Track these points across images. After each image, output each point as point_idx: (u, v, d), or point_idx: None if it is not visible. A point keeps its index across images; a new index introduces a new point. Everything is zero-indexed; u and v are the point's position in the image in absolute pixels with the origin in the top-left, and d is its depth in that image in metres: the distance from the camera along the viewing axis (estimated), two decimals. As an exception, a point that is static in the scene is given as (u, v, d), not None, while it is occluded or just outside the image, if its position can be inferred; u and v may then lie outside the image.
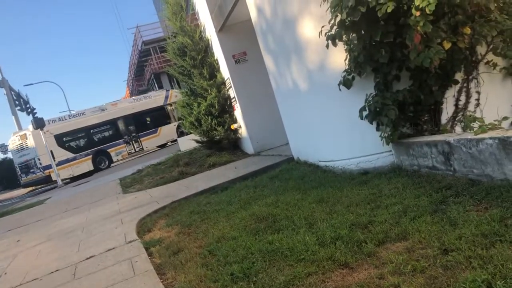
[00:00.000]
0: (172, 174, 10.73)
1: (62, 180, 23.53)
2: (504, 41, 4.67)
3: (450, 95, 4.86)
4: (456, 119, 4.91)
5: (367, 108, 5.07)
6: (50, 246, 6.57)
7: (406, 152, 4.92)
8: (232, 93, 10.77)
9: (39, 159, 23.61)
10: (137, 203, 8.22)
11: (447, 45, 4.19)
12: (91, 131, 26.03)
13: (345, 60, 5.22)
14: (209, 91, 11.29)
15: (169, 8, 11.91)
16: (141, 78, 45.16)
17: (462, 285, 2.41)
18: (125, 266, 4.42)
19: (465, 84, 4.85)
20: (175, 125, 27.07)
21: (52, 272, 4.98)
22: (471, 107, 4.89)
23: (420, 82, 4.75)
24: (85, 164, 25.09)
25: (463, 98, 4.89)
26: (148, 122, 27.78)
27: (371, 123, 5.14)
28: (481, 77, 4.83)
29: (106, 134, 26.71)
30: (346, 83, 5.25)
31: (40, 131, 22.68)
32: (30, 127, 23.81)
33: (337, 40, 4.94)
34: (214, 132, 11.39)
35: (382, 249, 3.20)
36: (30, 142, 23.71)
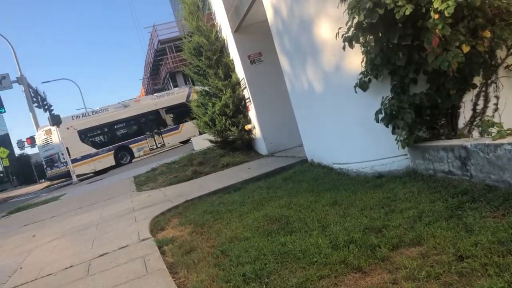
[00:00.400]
0: (186, 173, 10.77)
1: (85, 174, 24.01)
2: (525, 45, 4.59)
3: (468, 99, 4.78)
4: (474, 124, 4.83)
5: (383, 111, 5.03)
6: (64, 242, 6.65)
7: (422, 156, 4.86)
8: (246, 93, 10.78)
9: (62, 154, 24.07)
10: (151, 201, 8.27)
11: (466, 49, 4.13)
12: (114, 127, 26.48)
13: (361, 62, 5.18)
14: (224, 91, 11.31)
15: (186, 8, 11.97)
16: (157, 77, 45.47)
17: (477, 292, 2.37)
18: (138, 264, 4.45)
19: (483, 88, 4.77)
20: None
21: (66, 268, 5.03)
22: (489, 111, 4.81)
23: (438, 86, 4.69)
24: (107, 159, 25.52)
25: (481, 102, 4.81)
26: (170, 118, 28.04)
27: (387, 126, 5.09)
28: (500, 81, 4.75)
29: (129, 130, 27.13)
30: (363, 85, 5.21)
31: (57, 128, 23.07)
32: None
33: (354, 42, 4.91)
34: (228, 132, 11.41)
35: (396, 254, 3.16)
36: (55, 137, 24.18)
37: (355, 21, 4.76)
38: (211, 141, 12.83)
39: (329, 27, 5.66)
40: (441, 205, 3.81)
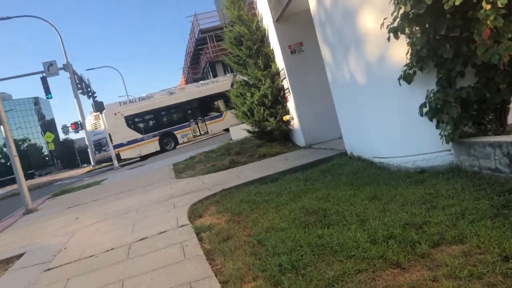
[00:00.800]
0: (223, 162, 10.87)
1: (131, 159, 24.77)
2: None
3: (519, 94, 4.58)
4: (524, 120, 4.63)
5: (427, 105, 4.89)
6: (106, 225, 6.86)
7: (467, 152, 4.70)
8: (286, 84, 10.72)
9: (110, 139, 24.95)
10: (189, 189, 8.40)
11: (519, 41, 3.95)
12: (159, 113, 27.20)
13: (406, 54, 5.04)
14: (263, 82, 11.29)
15: (227, -3, 11.99)
16: (197, 66, 45.92)
17: (524, 295, 2.28)
18: (176, 250, 4.54)
19: (536, 83, 4.56)
20: None
21: (107, 251, 5.20)
22: (541, 108, 4.60)
23: (487, 80, 4.51)
24: (152, 145, 26.28)
25: (533, 98, 4.61)
26: (214, 106, 28.42)
27: (431, 120, 4.95)
28: (554, 76, 4.52)
29: (173, 116, 27.80)
30: (407, 77, 5.08)
31: (100, 114, 23.83)
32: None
33: (399, 33, 4.79)
34: (266, 122, 11.40)
35: (436, 251, 3.09)
36: (103, 122, 25.04)
37: (401, 11, 4.65)
38: (248, 131, 12.86)
39: (374, 17, 5.53)
40: (486, 203, 3.68)
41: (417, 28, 4.75)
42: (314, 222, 4.33)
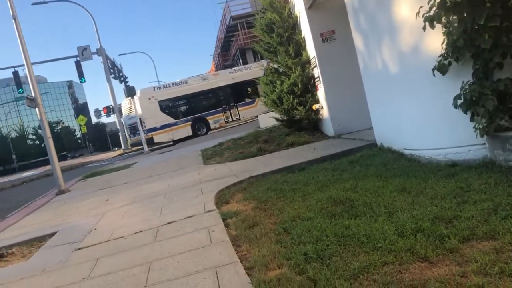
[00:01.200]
0: (251, 150, 10.89)
1: (164, 143, 25.27)
2: None
3: (560, 87, 4.40)
4: None
5: (462, 96, 4.75)
6: (135, 208, 7.00)
7: (502, 147, 4.56)
8: (316, 72, 10.60)
9: (144, 122, 25.45)
10: (217, 175, 8.47)
11: (563, 32, 3.78)
12: (192, 98, 27.49)
13: (442, 44, 4.90)
14: (293, 70, 11.20)
15: (260, -16, 11.90)
16: (227, 54, 45.97)
17: (557, 295, 2.21)
18: (203, 234, 4.59)
19: None
20: None
21: (136, 233, 5.31)
22: None
23: (527, 72, 4.35)
24: (185, 130, 26.68)
25: None
26: (246, 92, 28.53)
27: (465, 112, 4.82)
28: None
29: (206, 102, 28.08)
30: (441, 68, 4.94)
31: (131, 99, 24.26)
32: (138, 92, 25.66)
33: (435, 22, 4.66)
34: (295, 111, 11.33)
35: (466, 247, 3.02)
36: (137, 106, 25.54)
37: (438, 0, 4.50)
38: (277, 119, 12.82)
39: (409, 5, 5.39)
40: (521, 199, 3.57)
41: (454, 17, 4.61)
42: (341, 212, 4.30)
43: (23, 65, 12.63)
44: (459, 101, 4.83)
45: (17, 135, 79.80)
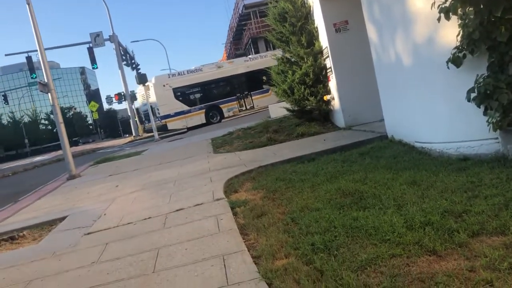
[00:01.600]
0: (261, 139, 10.88)
1: (177, 130, 25.50)
2: None
3: None
4: None
5: (476, 90, 4.68)
6: (144, 195, 7.05)
7: (515, 142, 4.50)
8: (328, 63, 10.52)
9: (158, 109, 25.61)
10: (226, 164, 8.49)
11: None
12: (207, 86, 27.55)
13: (457, 36, 4.82)
14: (305, 60, 11.12)
15: (273, -28, 11.79)
16: (239, 42, 45.86)
17: None
18: (211, 222, 4.62)
19: None
20: None
21: (145, 219, 5.36)
22: None
23: (543, 66, 4.27)
24: (198, 117, 26.80)
25: None
26: (261, 81, 28.56)
27: (479, 106, 4.75)
28: None
29: (220, 90, 28.15)
30: (456, 61, 4.87)
31: (143, 86, 24.35)
32: (153, 79, 25.78)
33: (451, 14, 4.58)
34: (306, 102, 11.27)
35: (475, 241, 3.00)
36: (152, 93, 25.65)
37: (455, -10, 4.43)
38: (287, 109, 12.77)
39: (425, -4, 5.31)
40: (533, 195, 3.53)
41: (470, 9, 4.53)
42: (350, 204, 4.29)
43: (36, 51, 12.70)
44: (473, 95, 4.76)
45: (30, 120, 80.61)
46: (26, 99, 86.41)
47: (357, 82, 9.86)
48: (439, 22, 4.79)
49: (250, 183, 6.43)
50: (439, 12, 4.69)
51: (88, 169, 13.96)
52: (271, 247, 3.57)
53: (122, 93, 34.95)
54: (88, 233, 5.25)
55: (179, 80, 26.73)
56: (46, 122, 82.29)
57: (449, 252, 2.92)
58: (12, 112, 76.55)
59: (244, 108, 28.23)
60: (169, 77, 26.98)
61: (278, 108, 15.75)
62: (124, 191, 7.78)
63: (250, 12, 37.74)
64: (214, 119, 27.28)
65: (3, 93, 47.89)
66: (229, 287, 3.02)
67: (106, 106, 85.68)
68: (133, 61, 31.30)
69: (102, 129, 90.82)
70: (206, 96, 27.59)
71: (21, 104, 76.59)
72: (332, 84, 10.65)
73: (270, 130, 12.07)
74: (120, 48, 32.28)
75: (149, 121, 27.54)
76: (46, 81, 12.29)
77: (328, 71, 10.77)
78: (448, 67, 5.02)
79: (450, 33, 4.97)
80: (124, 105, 40.54)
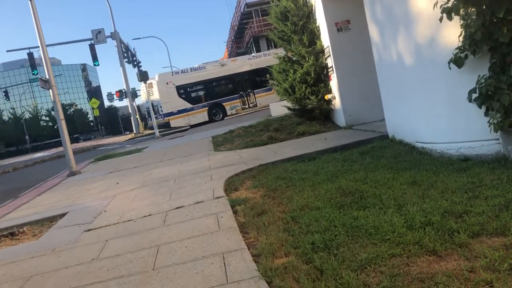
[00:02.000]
0: (262, 138, 10.88)
1: (180, 127, 25.73)
2: None
3: None
4: None
5: (477, 90, 4.68)
6: (144, 192, 7.05)
7: (516, 143, 4.50)
8: (330, 62, 10.51)
9: (161, 107, 25.65)
10: (227, 162, 8.49)
11: None
12: (210, 84, 27.54)
13: (459, 36, 4.82)
14: (307, 59, 11.11)
15: (276, -29, 11.77)
16: (240, 41, 45.82)
17: None
18: (211, 220, 4.62)
19: None
20: None
21: (145, 216, 5.36)
22: None
23: (545, 67, 4.26)
24: (201, 115, 26.81)
25: None
26: (264, 79, 28.57)
27: (480, 107, 4.75)
28: None
29: (223, 88, 28.12)
30: (457, 61, 4.86)
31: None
32: (156, 77, 25.80)
33: (453, 14, 4.57)
34: (307, 100, 11.27)
35: (476, 242, 3.00)
36: (155, 91, 25.64)
37: (457, -10, 4.42)
38: (288, 108, 12.77)
39: (427, -4, 5.30)
40: (534, 196, 3.53)
41: (473, 9, 4.53)
42: (350, 203, 4.30)
43: (38, 47, 12.70)
44: (474, 95, 4.76)
45: (31, 116, 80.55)
46: (27, 95, 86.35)
47: (358, 81, 9.86)
48: (441, 22, 4.79)
49: (250, 182, 6.43)
50: (441, 12, 4.69)
51: (89, 166, 13.96)
52: (271, 245, 3.57)
53: (123, 90, 34.93)
54: (88, 230, 5.26)
55: (183, 77, 26.74)
56: (47, 118, 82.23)
57: (449, 253, 2.92)
58: (13, 108, 76.57)
59: (247, 106, 28.22)
60: (172, 74, 27.02)
61: (279, 107, 15.74)
62: (125, 188, 7.78)
63: (252, 10, 37.71)
64: (217, 117, 27.29)
65: (4, 89, 47.86)
66: (229, 285, 3.02)
67: (107, 103, 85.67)
68: (134, 58, 31.23)
69: (103, 126, 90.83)
70: (209, 94, 27.59)
71: (22, 100, 76.60)
72: (333, 83, 10.64)
73: (271, 128, 12.06)
74: (122, 45, 32.24)
75: (151, 118, 27.58)
76: (47, 77, 12.29)
77: (329, 70, 10.76)
78: (449, 68, 5.01)
79: (452, 33, 4.96)
80: (125, 102, 40.51)
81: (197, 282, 3.17)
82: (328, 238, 3.46)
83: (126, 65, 32.77)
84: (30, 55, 29.99)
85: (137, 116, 34.23)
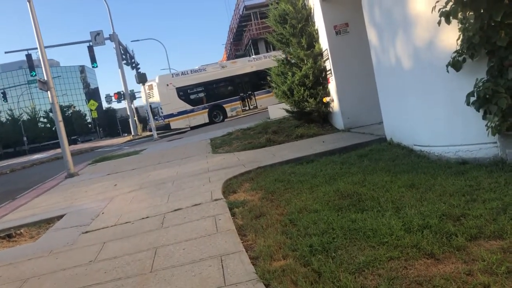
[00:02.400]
0: (260, 140, 10.89)
1: (180, 129, 25.74)
2: None
3: None
4: None
5: (475, 94, 4.69)
6: (142, 194, 7.05)
7: (514, 146, 4.51)
8: (328, 65, 10.53)
9: (161, 108, 25.67)
10: (225, 164, 8.49)
11: None
12: (210, 86, 27.57)
13: (457, 40, 4.83)
14: (305, 61, 11.14)
15: (274, -26, 11.80)
16: (239, 43, 45.88)
17: None
18: (209, 222, 4.62)
19: None
20: None
21: (143, 218, 5.35)
22: None
23: (542, 71, 4.28)
24: (201, 117, 26.82)
25: None
26: (264, 81, 28.60)
27: (478, 110, 4.76)
28: None
29: (224, 90, 28.16)
30: (456, 64, 4.88)
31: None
32: (157, 78, 25.84)
33: (451, 18, 4.59)
34: (305, 103, 11.28)
35: (473, 245, 3.00)
36: (155, 92, 25.67)
37: (455, -6, 4.43)
38: (287, 111, 12.78)
39: (425, 0, 5.32)
40: (531, 200, 3.53)
41: (471, 13, 4.54)
42: (348, 206, 4.29)
43: (36, 48, 12.70)
44: (472, 99, 4.78)
45: (29, 117, 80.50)
46: (25, 96, 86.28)
47: (357, 84, 9.87)
48: (439, 26, 4.80)
49: (248, 184, 6.43)
50: (440, 16, 4.70)
51: (87, 168, 13.95)
52: (269, 248, 3.57)
53: (122, 92, 34.96)
54: (86, 232, 5.25)
55: (183, 79, 26.76)
56: (45, 120, 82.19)
57: (447, 256, 2.92)
58: (11, 110, 76.48)
59: (247, 108, 28.24)
60: (172, 76, 27.03)
61: (278, 109, 15.75)
62: (123, 190, 7.77)
63: (250, 13, 37.78)
64: (217, 118, 27.29)
65: (2, 91, 47.76)
66: (227, 287, 3.02)
67: (105, 105, 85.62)
68: (133, 60, 31.30)
69: (101, 128, 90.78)
70: (210, 96, 27.61)
71: (20, 102, 76.57)
72: (332, 86, 10.66)
73: (269, 131, 12.07)
74: (120, 47, 32.29)
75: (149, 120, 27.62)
76: (45, 79, 12.29)
77: (327, 73, 10.78)
78: (447, 71, 5.03)
79: (450, 37, 4.98)
80: (124, 104, 40.54)
81: (194, 284, 3.16)
82: (326, 241, 3.46)
83: (125, 67, 32.85)
84: (29, 56, 30.00)
85: (135, 118, 34.24)
